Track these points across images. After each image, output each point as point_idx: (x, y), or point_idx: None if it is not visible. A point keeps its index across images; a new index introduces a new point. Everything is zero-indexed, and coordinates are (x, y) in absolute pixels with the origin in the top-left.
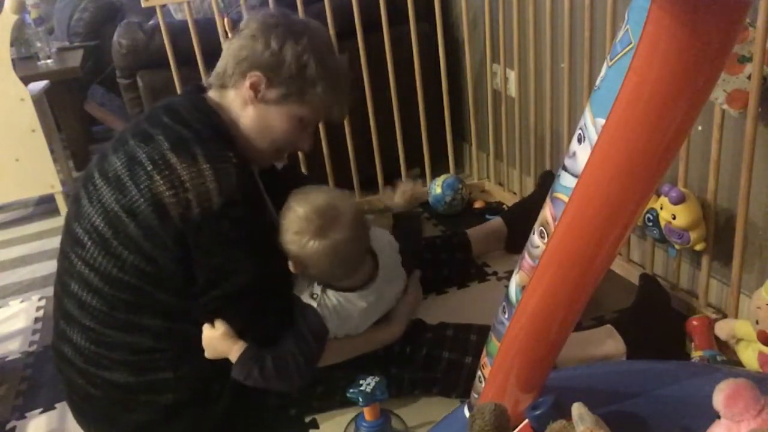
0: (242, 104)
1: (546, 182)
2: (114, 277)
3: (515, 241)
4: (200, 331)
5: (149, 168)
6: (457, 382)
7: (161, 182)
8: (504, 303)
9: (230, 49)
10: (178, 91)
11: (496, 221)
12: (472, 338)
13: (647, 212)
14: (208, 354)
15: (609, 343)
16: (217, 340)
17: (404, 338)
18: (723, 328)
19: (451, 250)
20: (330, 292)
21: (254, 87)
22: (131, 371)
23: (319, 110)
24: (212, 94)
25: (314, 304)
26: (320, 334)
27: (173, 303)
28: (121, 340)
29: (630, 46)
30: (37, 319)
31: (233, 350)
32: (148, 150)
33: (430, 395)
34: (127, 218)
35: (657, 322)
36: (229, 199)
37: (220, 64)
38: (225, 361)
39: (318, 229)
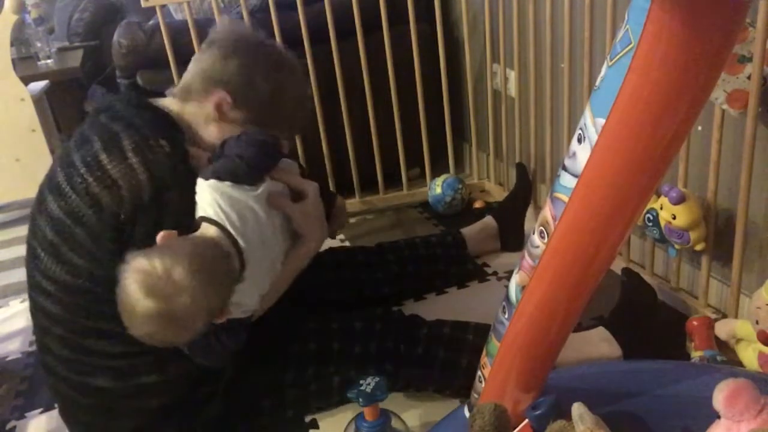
0: (204, 120)
1: (522, 174)
2: (68, 283)
3: (508, 236)
4: None
5: (82, 171)
6: (452, 382)
7: (95, 184)
8: (504, 303)
9: (200, 64)
10: None
11: (486, 220)
12: (468, 338)
13: (647, 212)
14: None
15: (604, 345)
16: None
17: (399, 334)
18: (723, 328)
19: (446, 247)
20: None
21: (219, 106)
22: (113, 376)
23: (280, 136)
24: (169, 102)
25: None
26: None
27: None
28: (95, 346)
29: (630, 46)
30: None
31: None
32: (82, 152)
33: (426, 392)
34: (72, 223)
35: (646, 318)
36: (160, 186)
37: (187, 78)
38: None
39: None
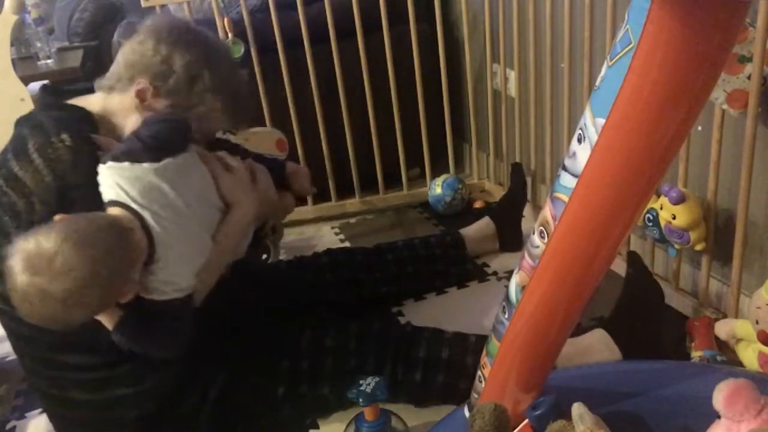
0: (127, 110)
1: (517, 174)
2: None
3: (506, 236)
4: None
5: (1, 183)
6: (451, 399)
7: (12, 194)
8: (504, 303)
9: (123, 53)
10: None
11: (484, 220)
12: (468, 361)
13: (647, 212)
14: None
15: (605, 354)
16: None
17: (396, 357)
18: (723, 328)
19: (444, 247)
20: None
21: (140, 95)
22: (88, 390)
23: (209, 126)
24: (93, 97)
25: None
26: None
27: None
28: (65, 359)
29: (630, 46)
30: None
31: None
32: None
33: None
34: (2, 239)
35: (651, 321)
36: (66, 184)
37: (112, 69)
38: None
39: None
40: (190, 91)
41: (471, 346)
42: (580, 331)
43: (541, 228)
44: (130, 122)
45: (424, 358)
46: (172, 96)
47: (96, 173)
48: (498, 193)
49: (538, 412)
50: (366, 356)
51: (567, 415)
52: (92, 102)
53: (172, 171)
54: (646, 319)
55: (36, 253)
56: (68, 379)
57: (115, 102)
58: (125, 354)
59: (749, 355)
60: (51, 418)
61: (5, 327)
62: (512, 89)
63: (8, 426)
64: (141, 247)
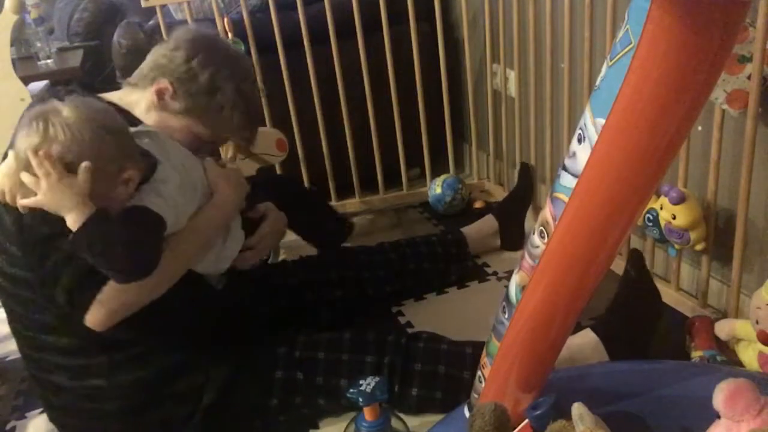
0: (146, 108)
1: (525, 174)
2: (8, 273)
3: (508, 235)
4: (132, 343)
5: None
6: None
7: None
8: (504, 303)
9: (152, 56)
10: None
11: (487, 218)
12: (465, 376)
13: (647, 212)
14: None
15: (593, 360)
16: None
17: (392, 373)
18: (723, 328)
19: (446, 245)
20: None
21: (160, 93)
22: (68, 375)
23: (220, 134)
24: (117, 92)
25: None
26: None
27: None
28: (47, 341)
29: (630, 46)
30: None
31: (80, 211)
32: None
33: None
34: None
35: (643, 327)
36: None
37: (140, 68)
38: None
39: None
40: (209, 100)
41: (469, 362)
42: (577, 330)
43: (541, 228)
44: (147, 119)
45: (420, 371)
46: (190, 100)
47: None
48: (498, 192)
49: (538, 412)
50: (360, 369)
51: (567, 415)
52: (112, 96)
53: (171, 141)
54: (639, 324)
55: (41, 111)
56: (50, 361)
57: (134, 97)
58: (101, 344)
59: (749, 355)
60: (41, 402)
61: (3, 305)
62: (512, 89)
63: (8, 426)
64: (132, 151)
